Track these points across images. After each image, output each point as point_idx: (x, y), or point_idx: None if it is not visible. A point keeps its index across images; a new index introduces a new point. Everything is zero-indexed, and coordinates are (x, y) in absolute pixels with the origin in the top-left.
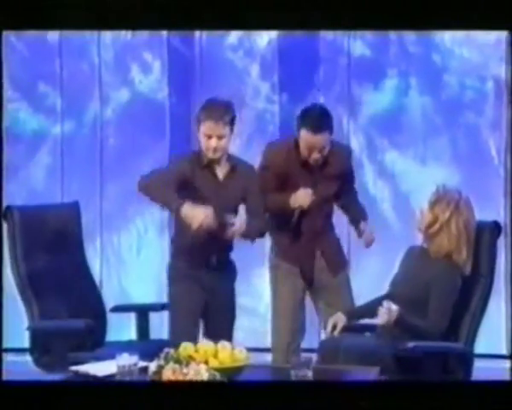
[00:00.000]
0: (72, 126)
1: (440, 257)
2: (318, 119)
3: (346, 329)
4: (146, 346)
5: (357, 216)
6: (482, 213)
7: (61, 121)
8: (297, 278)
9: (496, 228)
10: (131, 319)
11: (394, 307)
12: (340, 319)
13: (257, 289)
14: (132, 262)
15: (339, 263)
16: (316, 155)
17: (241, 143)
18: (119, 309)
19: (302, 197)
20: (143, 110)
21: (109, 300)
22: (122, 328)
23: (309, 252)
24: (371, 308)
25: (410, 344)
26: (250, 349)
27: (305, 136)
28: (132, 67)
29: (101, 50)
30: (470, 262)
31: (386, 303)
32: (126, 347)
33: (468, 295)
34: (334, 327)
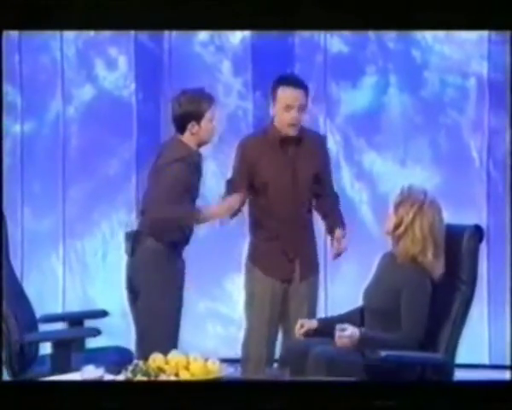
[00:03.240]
0: (33, 126)
1: (406, 261)
2: (298, 77)
3: (317, 334)
4: (102, 355)
5: (332, 222)
6: (463, 217)
7: (20, 120)
8: (274, 285)
9: (477, 232)
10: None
11: (349, 330)
12: (309, 321)
13: (231, 296)
14: (97, 268)
15: (310, 267)
16: (295, 114)
17: (213, 142)
18: (48, 319)
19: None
20: (109, 108)
21: (74, 308)
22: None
23: (287, 260)
24: (346, 320)
25: (382, 354)
26: (224, 360)
27: (284, 92)
28: (96, 62)
29: (64, 45)
30: (440, 265)
31: (339, 327)
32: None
33: (448, 303)
34: (302, 327)
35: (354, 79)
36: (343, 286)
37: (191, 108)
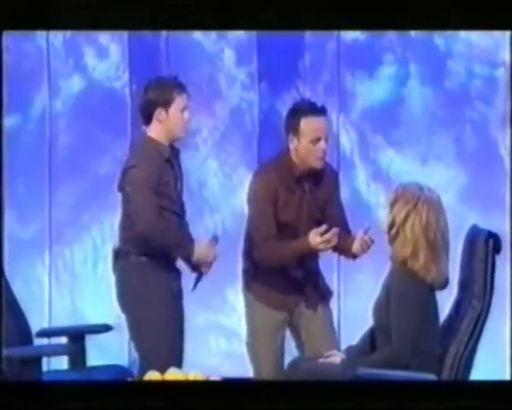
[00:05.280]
0: (16, 121)
1: (397, 266)
2: (317, 103)
3: None
4: (99, 375)
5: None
6: (491, 220)
7: (2, 115)
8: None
9: (490, 238)
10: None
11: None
12: (334, 355)
13: (235, 307)
14: (87, 278)
15: (320, 296)
16: (323, 146)
17: (214, 140)
18: (46, 334)
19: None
20: (99, 101)
21: (61, 322)
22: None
23: (293, 294)
24: (364, 344)
25: (360, 371)
26: (228, 379)
27: (307, 123)
28: (85, 50)
29: (50, 33)
30: (439, 270)
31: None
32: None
33: (458, 318)
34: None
35: (370, 70)
36: (357, 299)
37: (158, 94)
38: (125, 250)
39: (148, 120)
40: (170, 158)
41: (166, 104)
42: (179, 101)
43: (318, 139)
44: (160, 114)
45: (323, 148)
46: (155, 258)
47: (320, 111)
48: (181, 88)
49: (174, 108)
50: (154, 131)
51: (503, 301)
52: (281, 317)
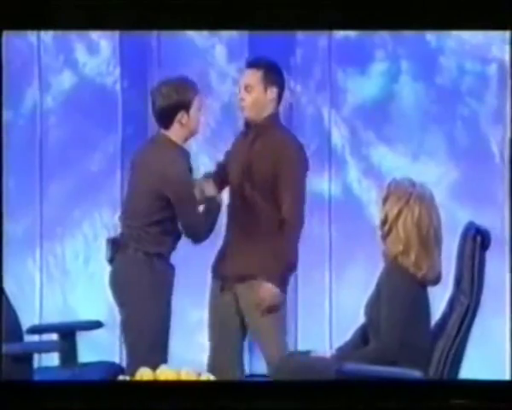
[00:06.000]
0: (7, 117)
1: (389, 262)
2: (255, 57)
3: None
4: (90, 371)
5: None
6: (482, 216)
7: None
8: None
9: (478, 234)
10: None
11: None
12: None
13: None
14: (79, 274)
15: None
16: (242, 94)
17: (205, 136)
18: (37, 330)
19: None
20: (90, 97)
21: (52, 318)
22: None
23: (229, 260)
24: (356, 341)
25: (347, 366)
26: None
27: (242, 75)
28: (76, 46)
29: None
30: (427, 265)
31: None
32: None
33: (446, 315)
34: None
35: (362, 66)
36: (349, 295)
37: (178, 97)
38: (124, 242)
39: (167, 123)
40: (188, 160)
41: (188, 106)
42: (197, 100)
43: (246, 89)
44: (182, 117)
45: (240, 96)
46: (152, 253)
47: (251, 63)
48: (195, 87)
49: (194, 109)
50: (174, 133)
51: (504, 299)
52: (215, 285)
